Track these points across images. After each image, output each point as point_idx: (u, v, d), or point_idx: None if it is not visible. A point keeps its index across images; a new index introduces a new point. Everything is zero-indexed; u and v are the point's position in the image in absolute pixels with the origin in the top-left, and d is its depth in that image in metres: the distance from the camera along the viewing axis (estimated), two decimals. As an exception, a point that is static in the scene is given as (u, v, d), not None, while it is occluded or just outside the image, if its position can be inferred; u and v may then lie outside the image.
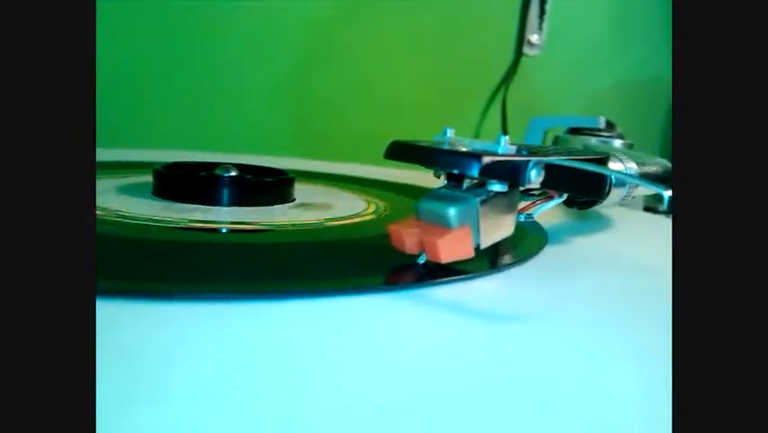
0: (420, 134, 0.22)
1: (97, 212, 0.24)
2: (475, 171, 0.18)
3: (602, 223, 0.34)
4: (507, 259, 0.22)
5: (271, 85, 0.66)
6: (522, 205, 0.23)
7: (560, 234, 0.28)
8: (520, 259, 0.22)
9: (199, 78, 0.62)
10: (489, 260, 0.22)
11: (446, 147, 0.19)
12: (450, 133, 0.21)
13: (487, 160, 0.18)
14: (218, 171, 0.29)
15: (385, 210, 0.30)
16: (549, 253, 0.25)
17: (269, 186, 0.30)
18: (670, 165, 0.28)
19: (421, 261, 0.19)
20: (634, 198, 0.26)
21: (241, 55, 0.64)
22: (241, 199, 0.28)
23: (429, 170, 0.20)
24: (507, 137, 0.19)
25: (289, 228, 0.25)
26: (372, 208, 0.30)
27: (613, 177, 0.24)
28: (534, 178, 0.19)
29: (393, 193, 0.36)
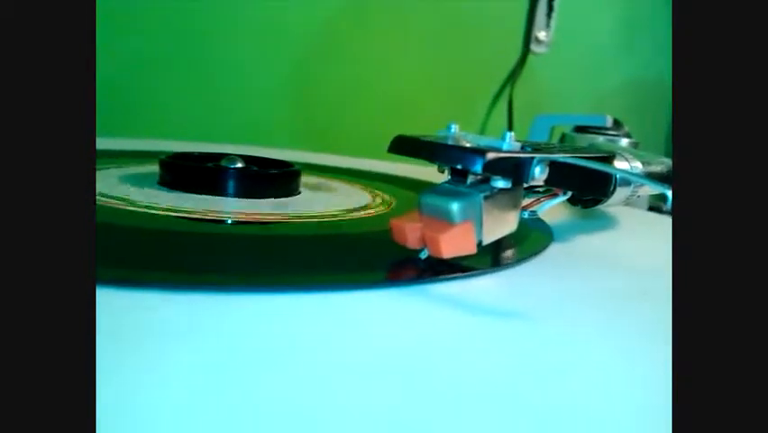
0: (425, 131, 0.21)
1: (102, 200, 0.24)
2: (479, 167, 0.18)
3: (606, 222, 0.34)
4: (509, 256, 0.22)
5: (277, 80, 0.66)
6: (526, 202, 0.23)
7: (563, 233, 0.28)
8: (523, 257, 0.22)
9: (206, 73, 0.62)
10: (492, 256, 0.22)
11: (450, 142, 0.19)
12: (454, 128, 0.21)
13: (491, 156, 0.18)
14: (224, 162, 0.29)
15: (388, 204, 0.30)
16: (552, 250, 0.25)
17: (274, 178, 0.30)
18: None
19: (423, 256, 0.19)
20: (639, 197, 0.26)
21: (247, 51, 0.64)
22: (246, 191, 0.28)
23: (433, 164, 0.20)
24: (513, 133, 0.19)
25: (293, 221, 0.25)
26: (377, 202, 0.30)
27: (618, 175, 0.24)
28: (539, 175, 0.19)
29: (397, 187, 0.36)
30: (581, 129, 0.61)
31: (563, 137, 0.63)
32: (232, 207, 0.26)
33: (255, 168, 0.30)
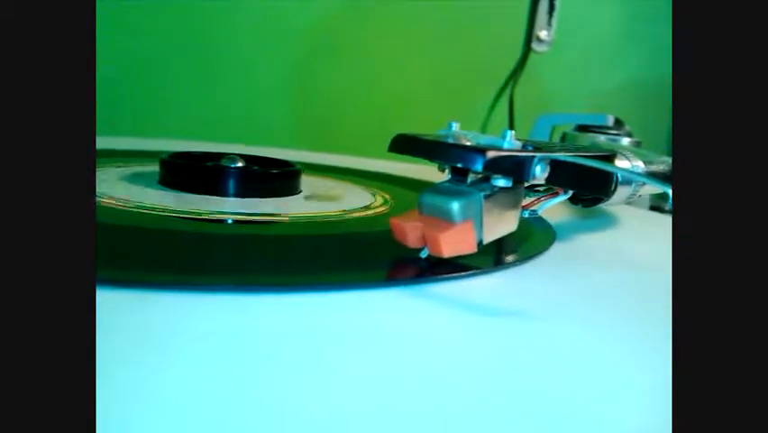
0: (426, 129, 0.21)
1: (102, 200, 0.24)
2: (479, 166, 0.18)
3: (607, 221, 0.34)
4: (511, 255, 0.22)
5: (278, 79, 0.66)
6: (526, 201, 0.23)
7: (564, 232, 0.28)
8: (524, 256, 0.22)
9: (207, 72, 0.62)
10: (492, 256, 0.22)
11: (451, 141, 0.19)
12: (455, 126, 0.21)
13: (491, 154, 0.18)
14: (224, 162, 0.29)
15: (389, 204, 0.30)
16: (552, 250, 0.25)
17: (275, 177, 0.30)
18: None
19: (423, 255, 0.19)
20: (640, 196, 0.26)
21: (247, 49, 0.64)
22: (247, 190, 0.28)
23: (433, 164, 0.20)
24: (513, 132, 0.19)
25: (294, 221, 0.25)
26: (377, 202, 0.30)
27: (619, 175, 0.23)
28: (540, 174, 0.19)
29: (397, 186, 0.36)
30: (583, 128, 0.61)
31: (564, 136, 0.62)
32: (232, 207, 0.26)
33: (256, 167, 0.30)
